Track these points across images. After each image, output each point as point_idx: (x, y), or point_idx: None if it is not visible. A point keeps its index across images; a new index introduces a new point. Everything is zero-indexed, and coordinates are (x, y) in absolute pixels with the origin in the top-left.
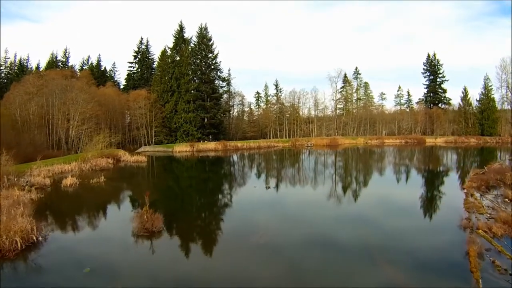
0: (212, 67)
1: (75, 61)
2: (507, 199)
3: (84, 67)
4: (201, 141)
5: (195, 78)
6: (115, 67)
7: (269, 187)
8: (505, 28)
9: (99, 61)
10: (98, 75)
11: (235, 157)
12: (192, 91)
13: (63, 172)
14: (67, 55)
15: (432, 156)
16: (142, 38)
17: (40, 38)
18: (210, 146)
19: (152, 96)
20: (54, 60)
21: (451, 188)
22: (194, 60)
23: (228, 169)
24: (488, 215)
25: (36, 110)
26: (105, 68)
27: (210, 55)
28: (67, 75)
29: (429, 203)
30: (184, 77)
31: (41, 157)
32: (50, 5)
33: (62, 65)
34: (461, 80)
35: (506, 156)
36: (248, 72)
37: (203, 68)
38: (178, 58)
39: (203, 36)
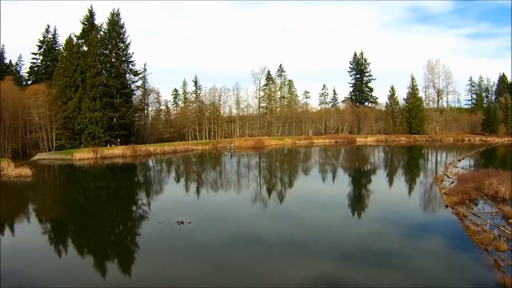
0: (123, 58)
1: None
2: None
3: None
4: (109, 145)
5: (103, 71)
6: (21, 60)
7: (182, 222)
8: (420, 34)
9: (1, 53)
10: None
11: (146, 164)
12: (99, 86)
13: None
14: None
15: (371, 156)
16: (48, 26)
17: None
18: (117, 152)
19: (53, 92)
20: None
21: (433, 204)
22: (103, 51)
23: (130, 186)
24: None
25: None
26: (10, 61)
27: (121, 45)
28: None
29: (424, 232)
30: (91, 70)
31: None
32: None
33: None
34: (383, 80)
35: (454, 157)
36: (166, 70)
37: (113, 60)
38: (85, 48)
39: (115, 23)
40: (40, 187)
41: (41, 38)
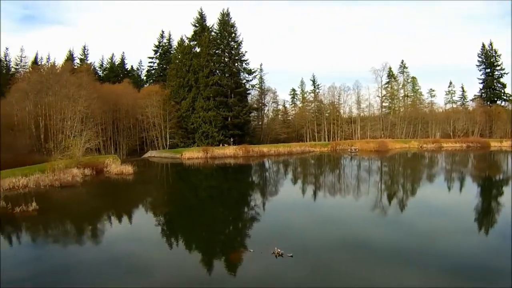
0: (236, 57)
1: (96, 59)
2: None
3: (103, 65)
4: (221, 145)
5: (216, 71)
6: (141, 65)
7: (281, 254)
8: None
9: (123, 59)
10: (121, 72)
11: (259, 166)
12: (213, 86)
13: (14, 188)
14: (86, 53)
15: (504, 164)
16: (163, 31)
17: (68, 41)
18: (228, 152)
19: (166, 92)
20: (71, 57)
21: None
22: (215, 51)
23: (242, 187)
24: None
25: (33, 109)
26: (131, 66)
27: (233, 43)
28: (67, 69)
29: None
30: (203, 69)
31: None
32: (73, 7)
33: (80, 63)
34: None
35: None
36: (283, 72)
37: (225, 59)
38: (197, 50)
39: (225, 23)
40: (148, 184)
41: (156, 43)
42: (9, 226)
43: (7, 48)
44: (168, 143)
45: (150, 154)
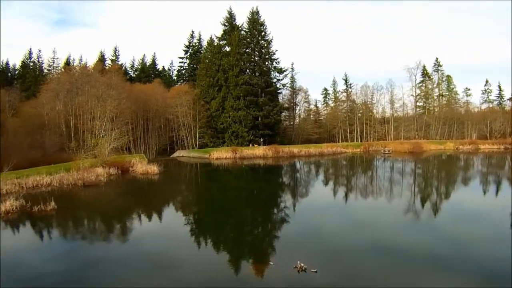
0: (266, 56)
1: (127, 60)
2: None
3: (135, 66)
4: (251, 145)
5: (246, 70)
6: (172, 65)
7: (303, 269)
8: None
9: (154, 60)
10: (152, 73)
11: (289, 167)
12: (242, 85)
13: (37, 186)
14: (117, 54)
15: None
16: (193, 32)
17: (100, 42)
18: (257, 152)
19: (196, 92)
20: (102, 58)
21: None
22: (245, 49)
23: (271, 188)
24: None
25: (63, 109)
26: (163, 67)
27: (263, 42)
28: (97, 70)
29: None
30: (233, 69)
31: (11, 165)
32: (105, 8)
33: (111, 64)
34: None
35: None
36: (315, 72)
37: (256, 58)
38: (227, 49)
39: (255, 21)
40: (173, 184)
41: (187, 43)
42: (24, 224)
43: (39, 50)
44: (197, 142)
45: (179, 154)
